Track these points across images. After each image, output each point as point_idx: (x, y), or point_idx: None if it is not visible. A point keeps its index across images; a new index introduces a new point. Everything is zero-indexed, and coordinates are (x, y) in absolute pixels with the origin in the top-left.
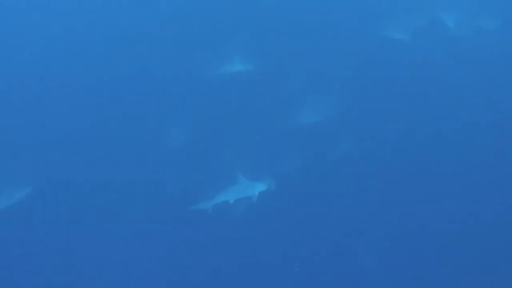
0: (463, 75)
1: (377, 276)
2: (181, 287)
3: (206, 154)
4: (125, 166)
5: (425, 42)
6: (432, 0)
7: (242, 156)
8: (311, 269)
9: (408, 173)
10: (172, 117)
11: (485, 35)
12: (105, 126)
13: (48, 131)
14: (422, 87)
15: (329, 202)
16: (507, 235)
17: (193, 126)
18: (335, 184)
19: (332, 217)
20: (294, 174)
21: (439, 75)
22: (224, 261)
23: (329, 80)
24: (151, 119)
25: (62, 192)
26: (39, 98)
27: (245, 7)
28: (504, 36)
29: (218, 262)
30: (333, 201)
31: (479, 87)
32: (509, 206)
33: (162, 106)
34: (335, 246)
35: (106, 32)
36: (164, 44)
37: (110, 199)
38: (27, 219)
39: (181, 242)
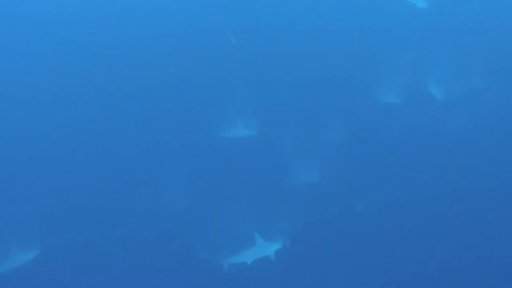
0: (455, 136)
1: None
2: None
3: (212, 217)
4: (135, 228)
5: (416, 104)
6: (421, 63)
7: (248, 216)
8: None
9: (404, 229)
10: (174, 179)
11: (474, 94)
12: (112, 190)
13: (57, 196)
14: (414, 148)
15: (335, 255)
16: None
17: (197, 188)
18: (337, 238)
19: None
20: (299, 231)
21: (431, 137)
22: None
23: (326, 142)
24: (155, 183)
25: (70, 256)
26: (48, 162)
27: (249, 76)
28: (493, 94)
29: None
30: (338, 253)
31: (470, 147)
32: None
33: (166, 170)
34: None
35: (109, 92)
36: (169, 108)
37: (120, 263)
38: (36, 282)
39: None
